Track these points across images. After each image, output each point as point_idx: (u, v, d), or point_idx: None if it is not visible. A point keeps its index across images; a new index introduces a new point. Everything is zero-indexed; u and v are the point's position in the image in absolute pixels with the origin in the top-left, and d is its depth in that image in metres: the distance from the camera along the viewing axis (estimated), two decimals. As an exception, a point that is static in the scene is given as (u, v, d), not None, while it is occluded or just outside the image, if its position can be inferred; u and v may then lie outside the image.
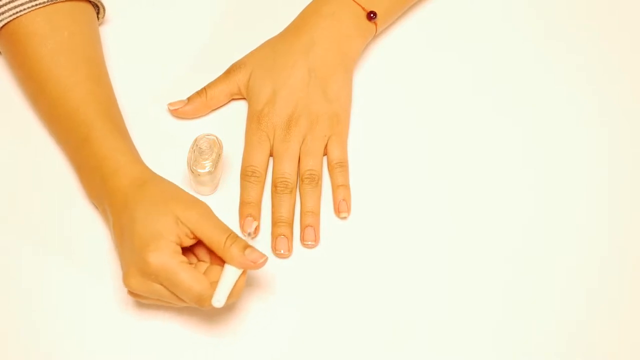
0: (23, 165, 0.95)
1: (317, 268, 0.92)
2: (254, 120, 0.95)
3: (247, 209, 0.93)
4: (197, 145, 0.91)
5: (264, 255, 0.83)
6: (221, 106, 0.98)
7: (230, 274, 0.83)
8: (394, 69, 1.02)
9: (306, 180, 0.94)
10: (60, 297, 0.89)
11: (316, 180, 0.94)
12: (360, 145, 0.97)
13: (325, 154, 0.96)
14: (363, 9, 0.97)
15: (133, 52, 1.00)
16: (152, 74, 0.99)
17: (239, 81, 0.97)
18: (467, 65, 1.02)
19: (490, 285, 0.92)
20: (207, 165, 0.91)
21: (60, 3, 0.92)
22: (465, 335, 0.90)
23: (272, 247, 0.92)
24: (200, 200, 0.85)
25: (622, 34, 1.04)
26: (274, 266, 0.91)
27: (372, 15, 0.97)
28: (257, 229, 0.92)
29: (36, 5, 0.91)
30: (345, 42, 0.96)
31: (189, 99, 0.96)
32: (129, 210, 0.84)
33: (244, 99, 0.98)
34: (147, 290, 0.83)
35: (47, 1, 0.91)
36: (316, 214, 0.93)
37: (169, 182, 0.88)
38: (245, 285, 0.84)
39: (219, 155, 0.91)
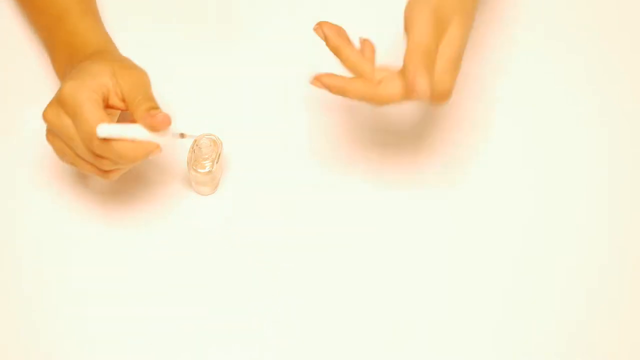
0: (21, 163, 0.95)
1: (318, 268, 0.92)
2: None
3: None
4: (197, 145, 0.91)
5: (166, 116, 0.81)
6: None
7: (132, 127, 0.82)
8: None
9: None
10: (60, 297, 0.89)
11: None
12: (363, 142, 0.97)
13: None
14: None
15: (134, 54, 1.00)
16: (152, 75, 0.99)
17: None
18: (467, 65, 1.02)
19: (490, 285, 0.92)
20: (207, 165, 0.91)
21: None
22: (466, 336, 0.90)
23: None
24: (142, 70, 0.86)
25: (622, 34, 1.04)
26: (274, 266, 0.92)
27: None
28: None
29: None
30: None
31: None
32: (80, 64, 0.86)
33: None
34: (57, 122, 0.82)
35: None
36: None
37: (123, 55, 0.89)
38: (141, 155, 0.82)
39: (218, 155, 0.91)
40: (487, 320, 0.91)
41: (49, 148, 0.93)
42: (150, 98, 0.84)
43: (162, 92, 0.98)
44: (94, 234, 0.92)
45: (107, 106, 0.84)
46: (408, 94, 0.79)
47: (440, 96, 0.82)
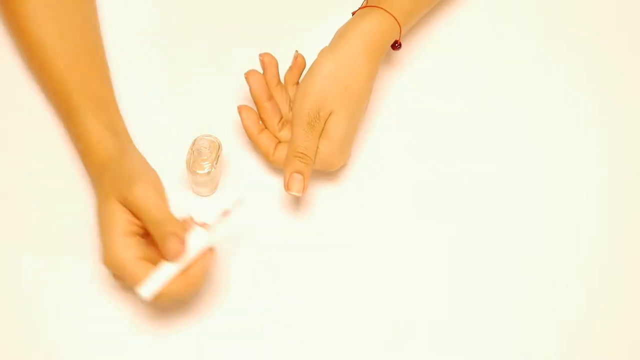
0: (21, 164, 0.95)
1: (317, 268, 0.92)
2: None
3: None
4: (196, 146, 0.91)
5: (178, 243, 0.81)
6: None
7: (164, 266, 0.82)
8: (403, 71, 1.02)
9: None
10: (60, 297, 0.90)
11: None
12: (362, 142, 0.97)
13: None
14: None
15: (133, 54, 1.00)
16: (152, 75, 0.99)
17: None
18: (468, 65, 1.02)
19: (490, 285, 0.92)
20: (206, 166, 0.91)
21: None
22: (466, 336, 0.90)
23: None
24: (138, 176, 0.84)
25: (622, 34, 1.04)
26: (274, 266, 0.92)
27: (397, 45, 0.96)
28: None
29: None
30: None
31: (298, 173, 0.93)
32: (96, 197, 0.87)
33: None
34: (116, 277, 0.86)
35: None
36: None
37: (127, 161, 0.87)
38: (188, 285, 0.83)
39: (217, 157, 0.91)
40: (487, 320, 0.91)
41: (49, 149, 0.94)
42: (160, 217, 0.83)
43: (163, 91, 0.98)
44: (94, 234, 0.92)
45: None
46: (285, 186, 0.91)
47: (332, 169, 0.94)
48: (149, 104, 0.97)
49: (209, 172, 0.91)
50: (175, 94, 0.98)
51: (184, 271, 0.82)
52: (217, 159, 0.91)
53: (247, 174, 0.96)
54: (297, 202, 0.95)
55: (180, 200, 0.93)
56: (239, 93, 0.97)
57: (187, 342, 0.89)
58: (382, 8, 0.93)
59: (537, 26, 1.04)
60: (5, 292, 0.90)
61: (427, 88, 1.01)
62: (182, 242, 0.82)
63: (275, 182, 0.95)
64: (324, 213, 0.94)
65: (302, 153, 0.90)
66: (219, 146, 0.92)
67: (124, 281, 0.84)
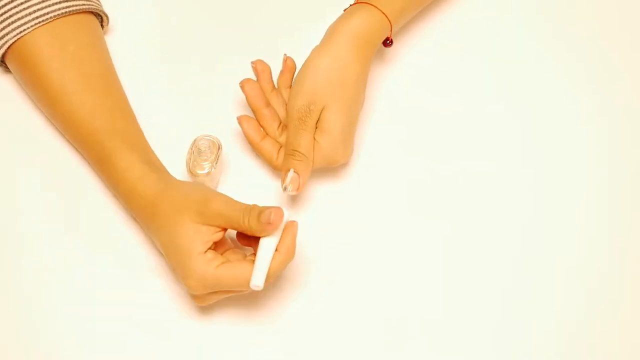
0: (22, 162, 0.95)
1: (317, 268, 0.92)
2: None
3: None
4: (196, 146, 0.91)
5: (274, 209, 0.82)
6: None
7: (262, 251, 0.83)
8: (398, 68, 1.01)
9: None
10: (60, 297, 0.90)
11: None
12: (362, 142, 0.97)
13: None
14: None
15: (133, 54, 1.00)
16: (152, 75, 0.99)
17: None
18: (463, 63, 1.02)
19: (490, 285, 0.92)
20: (206, 166, 0.91)
21: (63, 17, 0.92)
22: (466, 336, 0.90)
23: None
24: (204, 192, 0.85)
25: (622, 34, 1.04)
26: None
27: (388, 42, 0.97)
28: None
29: (39, 23, 0.90)
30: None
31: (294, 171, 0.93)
32: (155, 233, 0.86)
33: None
34: (210, 299, 0.86)
35: (50, 17, 0.91)
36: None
37: (177, 187, 0.87)
38: (286, 260, 0.84)
39: (217, 157, 0.91)
40: (487, 320, 0.91)
41: (52, 150, 0.94)
42: (239, 209, 0.84)
43: (163, 93, 0.98)
44: (94, 234, 0.92)
45: (217, 244, 0.85)
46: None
47: (337, 165, 0.94)
48: (149, 104, 0.97)
49: (208, 172, 0.91)
50: (175, 94, 0.98)
51: (279, 247, 0.84)
52: (217, 159, 0.91)
53: (247, 174, 0.96)
54: (294, 200, 0.95)
55: None
56: (239, 93, 0.97)
57: (187, 342, 0.89)
58: (372, 5, 0.93)
59: (534, 24, 1.04)
60: (5, 292, 0.90)
61: (423, 86, 1.01)
62: (276, 211, 0.83)
63: (274, 182, 0.95)
64: (321, 211, 0.94)
65: (295, 150, 0.90)
66: (219, 146, 0.92)
67: (223, 292, 0.84)
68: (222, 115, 0.97)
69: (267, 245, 0.83)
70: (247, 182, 0.95)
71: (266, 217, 0.82)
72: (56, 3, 0.91)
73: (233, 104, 0.98)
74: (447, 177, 0.96)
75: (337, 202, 0.95)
